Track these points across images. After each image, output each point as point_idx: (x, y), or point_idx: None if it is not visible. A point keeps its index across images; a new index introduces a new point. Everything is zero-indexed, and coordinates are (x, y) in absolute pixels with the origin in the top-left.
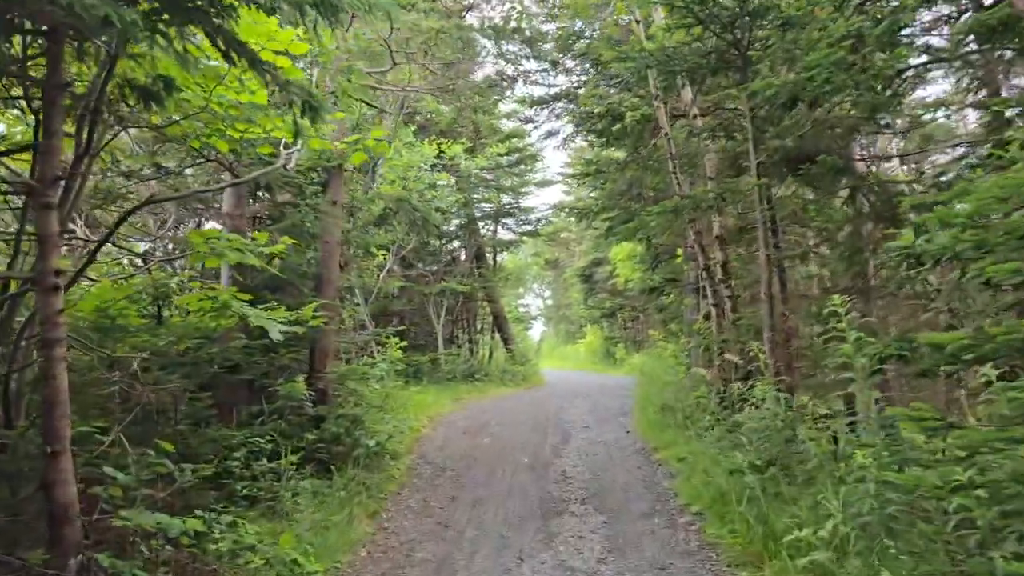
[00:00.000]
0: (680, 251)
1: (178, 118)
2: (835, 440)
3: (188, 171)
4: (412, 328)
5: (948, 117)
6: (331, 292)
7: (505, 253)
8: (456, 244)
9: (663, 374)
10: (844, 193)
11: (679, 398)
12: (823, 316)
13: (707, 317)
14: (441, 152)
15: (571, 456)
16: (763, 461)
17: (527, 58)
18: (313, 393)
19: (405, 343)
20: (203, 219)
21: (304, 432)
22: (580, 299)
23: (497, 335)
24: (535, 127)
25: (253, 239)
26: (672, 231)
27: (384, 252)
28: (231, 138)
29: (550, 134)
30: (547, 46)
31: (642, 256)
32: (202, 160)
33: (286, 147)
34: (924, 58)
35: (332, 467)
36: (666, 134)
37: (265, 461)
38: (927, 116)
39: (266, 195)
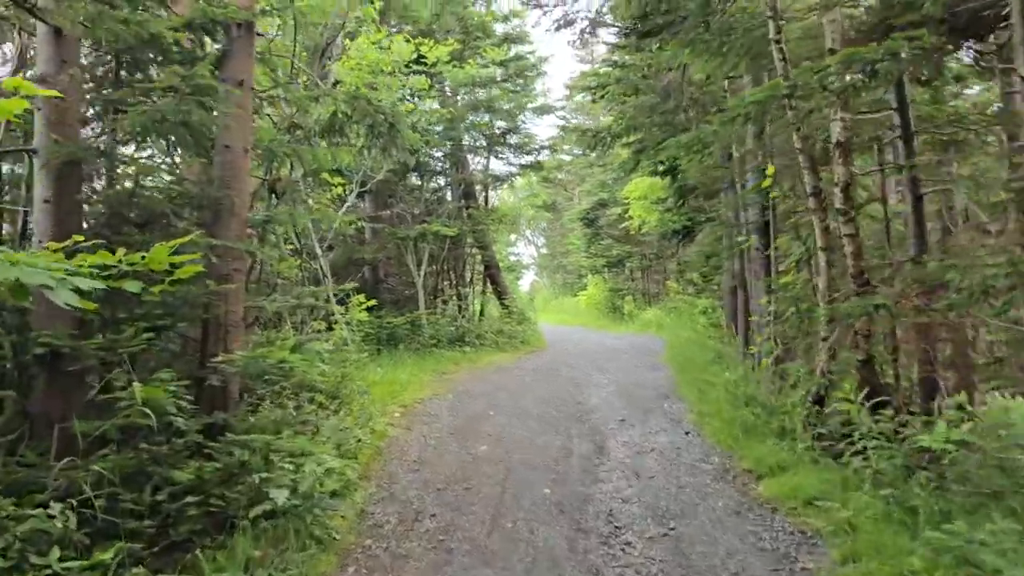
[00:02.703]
0: (771, 169)
1: None
2: None
3: None
4: (387, 282)
5: None
6: (235, 228)
7: (499, 190)
8: (441, 182)
9: (701, 338)
10: None
11: (761, 389)
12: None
13: (806, 265)
14: (420, 57)
15: (615, 481)
16: None
17: None
18: (199, 392)
19: (373, 302)
20: None
21: (172, 469)
22: (581, 246)
23: (490, 288)
24: (545, 12)
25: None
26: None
27: (344, 182)
28: None
29: (563, 23)
30: None
31: (664, 193)
32: None
33: None
34: None
35: (209, 542)
36: None
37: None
38: None
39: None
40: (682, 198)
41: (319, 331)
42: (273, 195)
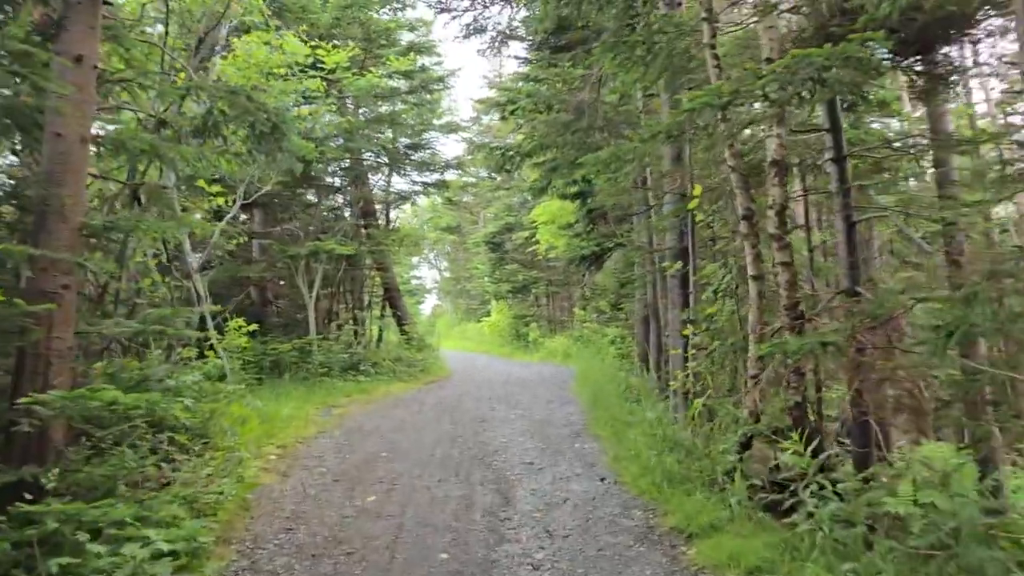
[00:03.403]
0: (698, 189)
1: None
2: None
3: None
4: (276, 304)
5: None
6: (66, 236)
7: (401, 210)
8: (340, 200)
9: (611, 369)
10: None
11: (685, 432)
12: None
13: (731, 295)
14: (318, 62)
15: (524, 542)
16: None
17: None
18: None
19: (254, 326)
20: None
21: None
22: (486, 270)
23: (389, 312)
24: (454, 16)
25: None
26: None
27: (221, 190)
28: None
29: (473, 30)
30: None
31: (573, 217)
32: None
33: None
34: None
35: None
36: None
37: None
38: None
39: None
40: (592, 223)
41: (188, 359)
42: (137, 202)
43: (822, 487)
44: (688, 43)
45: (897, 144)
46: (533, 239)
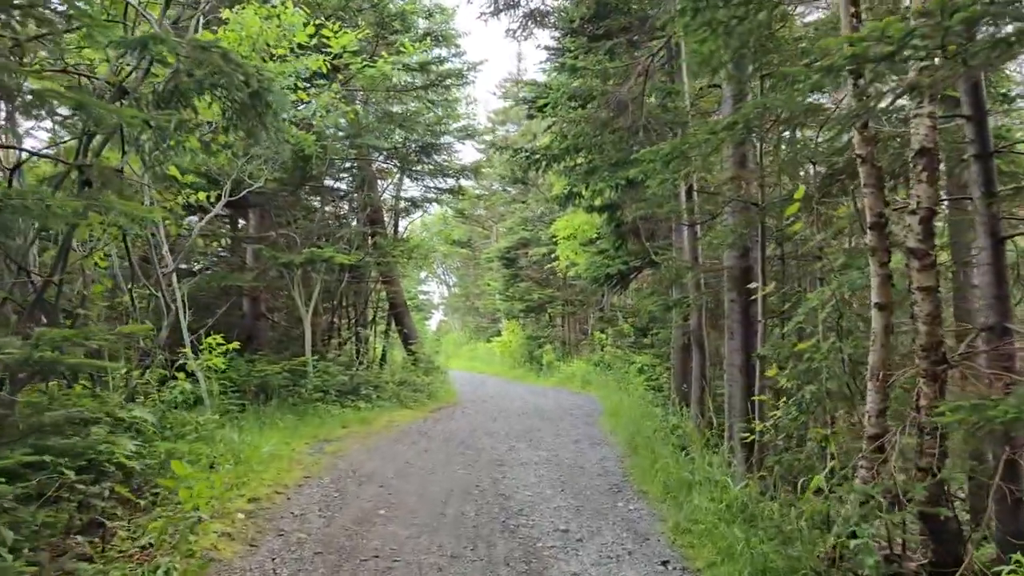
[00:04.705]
0: (800, 191)
1: None
2: None
3: None
4: (270, 317)
5: None
6: None
7: (411, 220)
8: (346, 207)
9: (644, 403)
10: None
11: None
12: None
13: (830, 328)
14: (323, 45)
15: None
16: None
17: None
18: None
19: (236, 344)
20: None
21: None
22: (498, 287)
23: (394, 330)
24: None
25: None
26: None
27: (209, 189)
28: None
29: (505, 4)
30: None
31: (598, 231)
32: None
33: None
34: None
35: None
36: None
37: None
38: None
39: None
40: (621, 238)
41: (147, 385)
42: (86, 186)
43: None
44: (770, 16)
45: None
46: (551, 256)
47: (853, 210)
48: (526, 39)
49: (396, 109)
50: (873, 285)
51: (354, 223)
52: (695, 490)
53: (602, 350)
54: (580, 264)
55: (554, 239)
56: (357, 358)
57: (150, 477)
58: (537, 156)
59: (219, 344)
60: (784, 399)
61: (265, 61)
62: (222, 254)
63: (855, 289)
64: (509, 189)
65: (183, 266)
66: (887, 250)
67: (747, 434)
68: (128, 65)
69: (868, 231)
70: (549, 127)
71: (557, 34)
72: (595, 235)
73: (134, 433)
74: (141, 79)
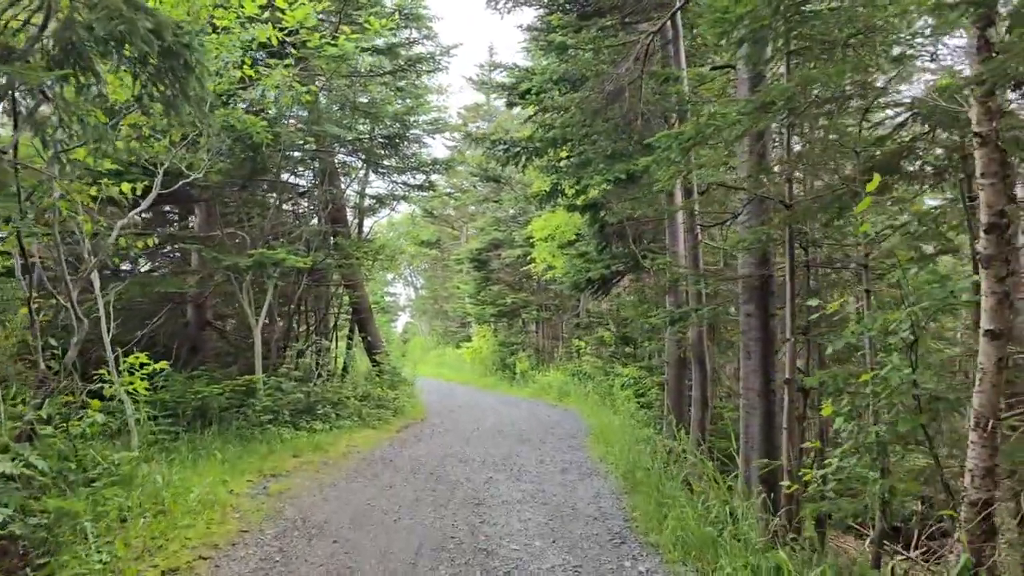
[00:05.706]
0: (876, 179)
1: None
2: None
3: None
4: (219, 327)
5: None
6: None
7: (380, 216)
8: (304, 203)
9: (634, 422)
10: None
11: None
12: None
13: (908, 352)
14: (279, 17)
15: None
16: None
17: None
18: None
19: (164, 364)
20: None
21: None
22: (468, 291)
23: (358, 338)
24: None
25: None
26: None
27: (139, 180)
28: None
29: None
30: None
31: (576, 233)
32: None
33: None
34: None
35: None
36: None
37: None
38: None
39: None
40: (605, 241)
41: (41, 419)
42: None
43: None
44: None
45: None
46: (526, 258)
47: (962, 205)
48: (509, 12)
49: (362, 99)
50: (985, 306)
51: (313, 221)
52: (721, 550)
53: (579, 358)
54: (558, 267)
55: (530, 240)
56: (316, 370)
57: (43, 540)
58: (517, 149)
59: (143, 364)
60: (833, 438)
61: (209, 34)
62: (168, 255)
63: (942, 309)
64: (480, 187)
65: (107, 270)
66: (1007, 260)
67: (765, 468)
68: (18, 20)
69: (983, 234)
70: (530, 118)
71: (541, 11)
72: (575, 237)
73: (20, 484)
74: (36, 37)
